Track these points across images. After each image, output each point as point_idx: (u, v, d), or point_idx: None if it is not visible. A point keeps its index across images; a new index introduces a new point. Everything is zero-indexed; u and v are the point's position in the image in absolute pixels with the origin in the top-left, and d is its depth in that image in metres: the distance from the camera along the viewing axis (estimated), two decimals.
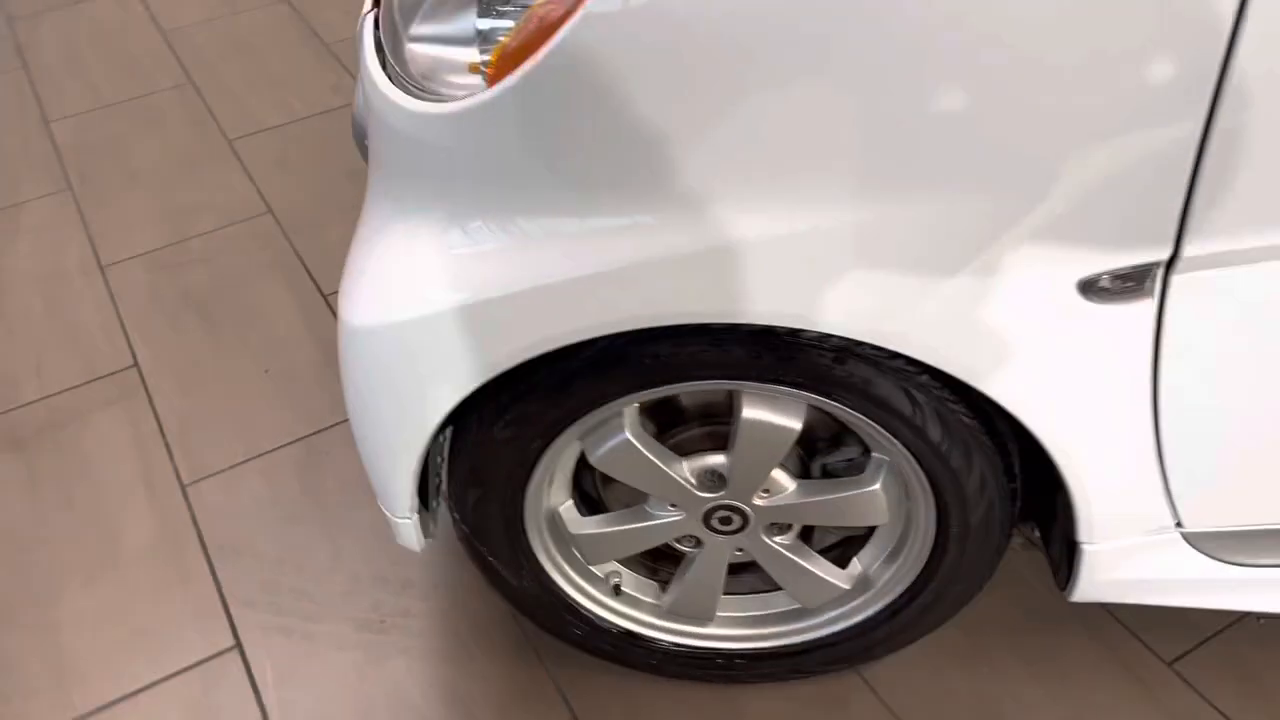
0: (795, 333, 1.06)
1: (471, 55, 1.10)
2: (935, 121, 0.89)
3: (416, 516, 1.30)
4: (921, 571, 1.29)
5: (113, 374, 2.00)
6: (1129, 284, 0.99)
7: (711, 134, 0.92)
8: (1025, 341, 1.02)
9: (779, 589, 1.41)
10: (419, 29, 1.16)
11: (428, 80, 1.13)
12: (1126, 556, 1.24)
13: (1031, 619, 1.52)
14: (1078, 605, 1.54)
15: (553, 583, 1.36)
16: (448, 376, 1.14)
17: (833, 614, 1.38)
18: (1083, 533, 1.20)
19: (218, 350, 2.03)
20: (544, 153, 0.99)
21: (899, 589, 1.32)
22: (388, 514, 1.32)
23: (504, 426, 1.18)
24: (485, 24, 1.07)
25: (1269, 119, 0.87)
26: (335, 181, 2.41)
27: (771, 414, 1.16)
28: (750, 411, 1.16)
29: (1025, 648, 1.49)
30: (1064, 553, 1.27)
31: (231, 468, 1.82)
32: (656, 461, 1.22)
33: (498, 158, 1.03)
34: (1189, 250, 0.96)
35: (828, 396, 1.11)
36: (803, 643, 1.40)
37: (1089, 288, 0.99)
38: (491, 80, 1.00)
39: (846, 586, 1.34)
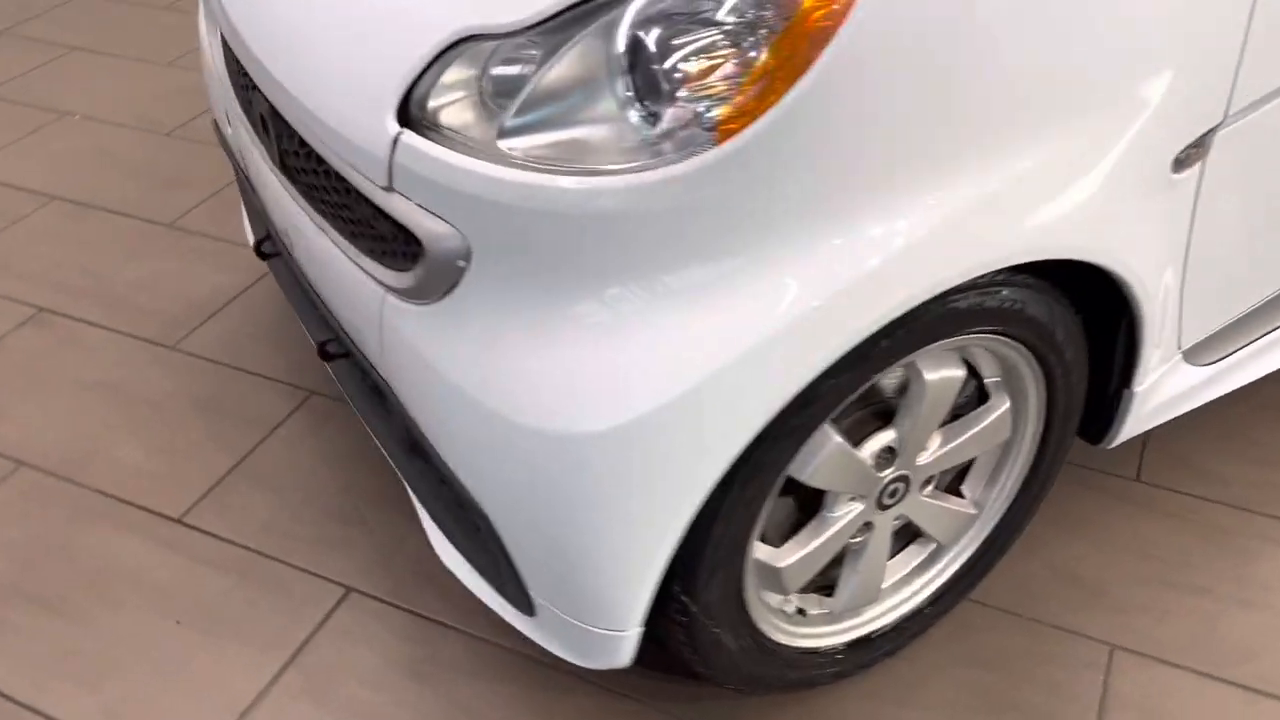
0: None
1: (618, 124, 1.08)
2: (1117, 55, 1.08)
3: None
4: (1032, 465, 1.47)
5: None
6: (1196, 150, 1.25)
7: (982, 92, 1.04)
8: (1143, 220, 1.25)
9: (903, 550, 1.52)
10: (515, 121, 1.11)
11: (560, 163, 1.09)
12: (1155, 389, 1.52)
13: None
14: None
15: (762, 633, 1.35)
16: (707, 449, 1.11)
17: (964, 541, 1.51)
18: (1138, 379, 1.46)
19: (93, 630, 1.64)
20: (813, 172, 1.03)
21: (1014, 491, 1.49)
22: (603, 633, 1.23)
23: (743, 483, 1.16)
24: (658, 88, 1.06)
25: None
26: (77, 400, 2.03)
27: (945, 369, 1.27)
28: (931, 373, 1.26)
29: (1050, 517, 1.73)
30: (1110, 407, 1.52)
31: None
32: (859, 456, 1.27)
33: (743, 199, 1.04)
34: (1232, 110, 1.24)
35: (995, 332, 1.26)
36: (945, 582, 1.52)
37: (1178, 162, 1.24)
38: (731, 127, 1.01)
39: (975, 511, 1.49)
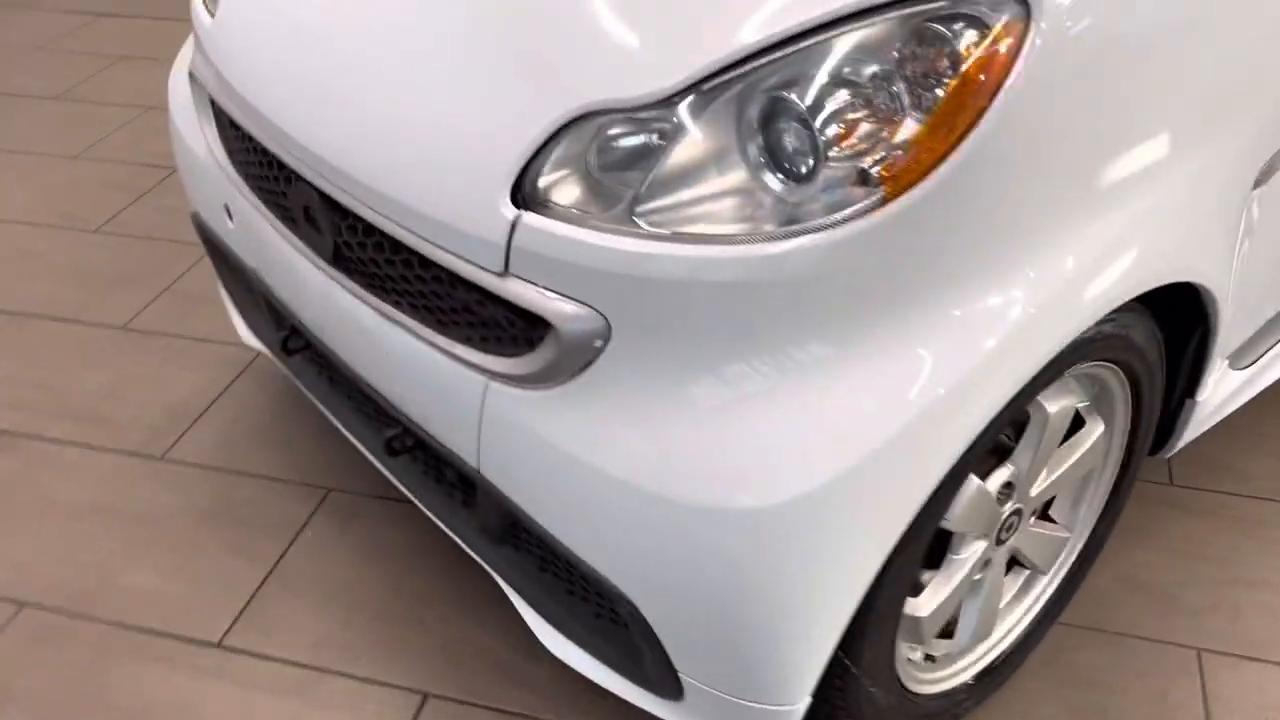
0: None
1: (733, 186, 1.07)
2: (1227, 88, 1.13)
3: None
4: (1115, 482, 1.51)
5: None
6: (1269, 165, 1.31)
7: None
8: (1227, 236, 1.30)
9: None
10: (648, 193, 1.09)
11: (703, 232, 1.07)
12: (1211, 396, 1.58)
13: None
14: None
15: (904, 685, 1.34)
16: (889, 512, 1.09)
17: (1057, 563, 1.54)
18: (1201, 390, 1.52)
19: None
20: (979, 223, 1.03)
21: (1100, 509, 1.52)
22: (771, 709, 1.19)
23: (907, 540, 1.15)
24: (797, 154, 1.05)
25: None
26: (67, 527, 1.86)
27: (1063, 399, 1.29)
28: (1052, 405, 1.28)
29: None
30: (1170, 418, 1.57)
31: None
32: (991, 495, 1.27)
33: (907, 256, 1.04)
34: None
35: (1109, 360, 1.28)
36: (1045, 605, 1.54)
37: (1257, 181, 1.29)
38: (901, 184, 1.00)
39: (1068, 534, 1.51)
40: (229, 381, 2.18)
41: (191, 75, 1.70)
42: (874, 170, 1.01)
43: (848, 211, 1.02)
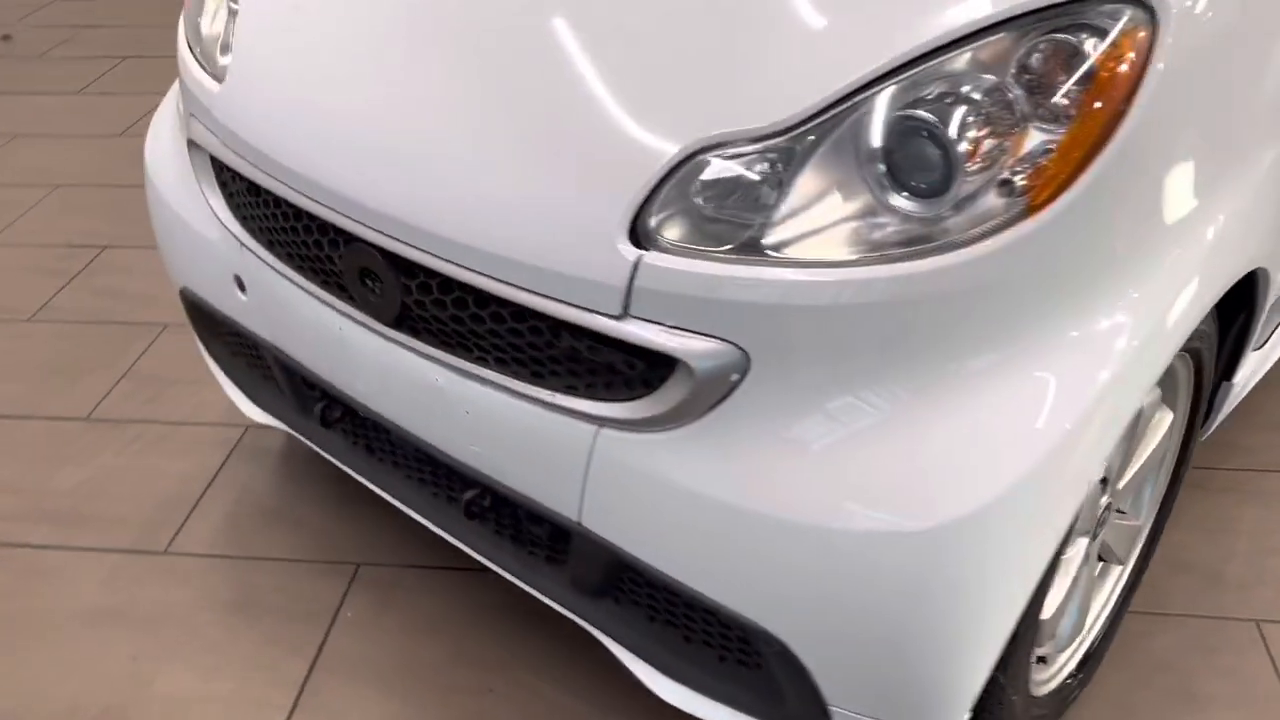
0: None
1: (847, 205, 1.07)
2: None
3: None
4: (1175, 467, 1.56)
5: None
6: None
7: None
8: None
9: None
10: (778, 234, 1.08)
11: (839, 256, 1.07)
12: (1245, 376, 1.65)
13: None
14: None
15: (1029, 690, 1.34)
16: (1048, 522, 1.10)
17: (1133, 553, 1.58)
18: (1239, 373, 1.58)
19: None
20: (1122, 227, 1.06)
21: (1161, 496, 1.57)
22: None
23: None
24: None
25: None
26: (80, 639, 1.71)
27: (1154, 391, 1.33)
28: (1147, 397, 1.31)
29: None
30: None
31: None
32: (1099, 491, 1.30)
33: (1057, 263, 1.05)
34: None
35: (1183, 349, 1.32)
36: (1121, 592, 1.57)
37: None
38: (1044, 188, 1.02)
39: (1139, 522, 1.55)
40: (220, 463, 2.06)
41: (192, 144, 1.61)
42: (1019, 180, 1.02)
43: (993, 223, 1.03)
